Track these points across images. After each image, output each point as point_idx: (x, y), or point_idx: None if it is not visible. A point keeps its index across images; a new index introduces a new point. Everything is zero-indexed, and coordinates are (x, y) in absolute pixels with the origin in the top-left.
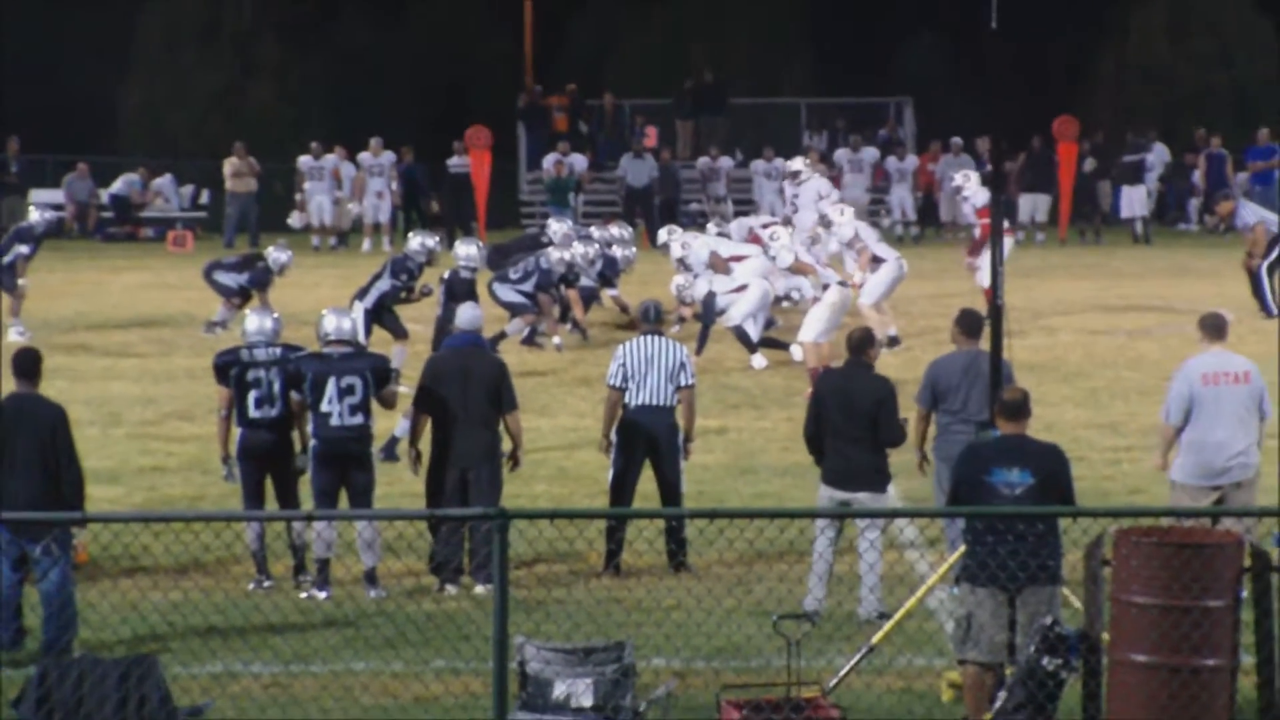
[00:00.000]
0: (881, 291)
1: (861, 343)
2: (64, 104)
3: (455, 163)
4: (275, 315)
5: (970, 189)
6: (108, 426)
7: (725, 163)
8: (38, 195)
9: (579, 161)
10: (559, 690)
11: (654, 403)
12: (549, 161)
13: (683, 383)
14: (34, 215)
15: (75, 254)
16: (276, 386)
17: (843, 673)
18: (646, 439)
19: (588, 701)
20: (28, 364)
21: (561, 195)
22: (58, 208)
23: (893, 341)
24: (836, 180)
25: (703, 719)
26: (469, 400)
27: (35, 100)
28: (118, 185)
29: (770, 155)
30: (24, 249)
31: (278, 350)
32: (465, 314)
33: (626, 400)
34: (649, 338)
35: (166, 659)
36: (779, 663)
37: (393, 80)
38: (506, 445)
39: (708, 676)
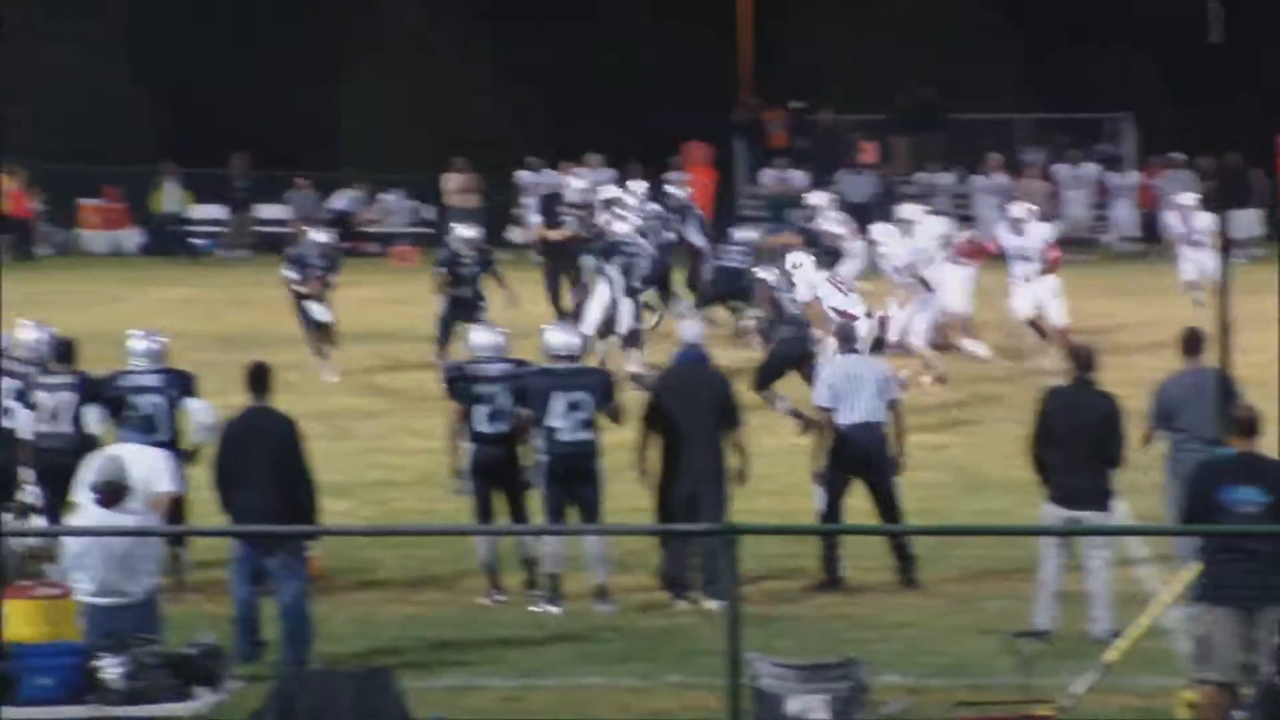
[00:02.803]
0: (929, 326)
1: (1087, 360)
2: (287, 120)
3: (673, 178)
4: (503, 330)
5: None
6: (336, 440)
7: (944, 178)
8: (263, 211)
9: (798, 177)
10: (792, 706)
11: (866, 420)
12: (768, 177)
13: (892, 396)
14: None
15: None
16: (505, 402)
17: (1079, 692)
18: (861, 457)
19: (821, 717)
20: (260, 378)
21: (780, 211)
22: (282, 223)
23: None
24: (1055, 195)
25: None
26: (696, 417)
27: (259, 117)
28: (339, 201)
29: (990, 170)
30: (293, 275)
31: (506, 365)
32: (689, 328)
33: (837, 420)
34: (850, 356)
35: (401, 671)
36: (1011, 680)
37: (610, 94)
38: (733, 461)
39: (940, 693)
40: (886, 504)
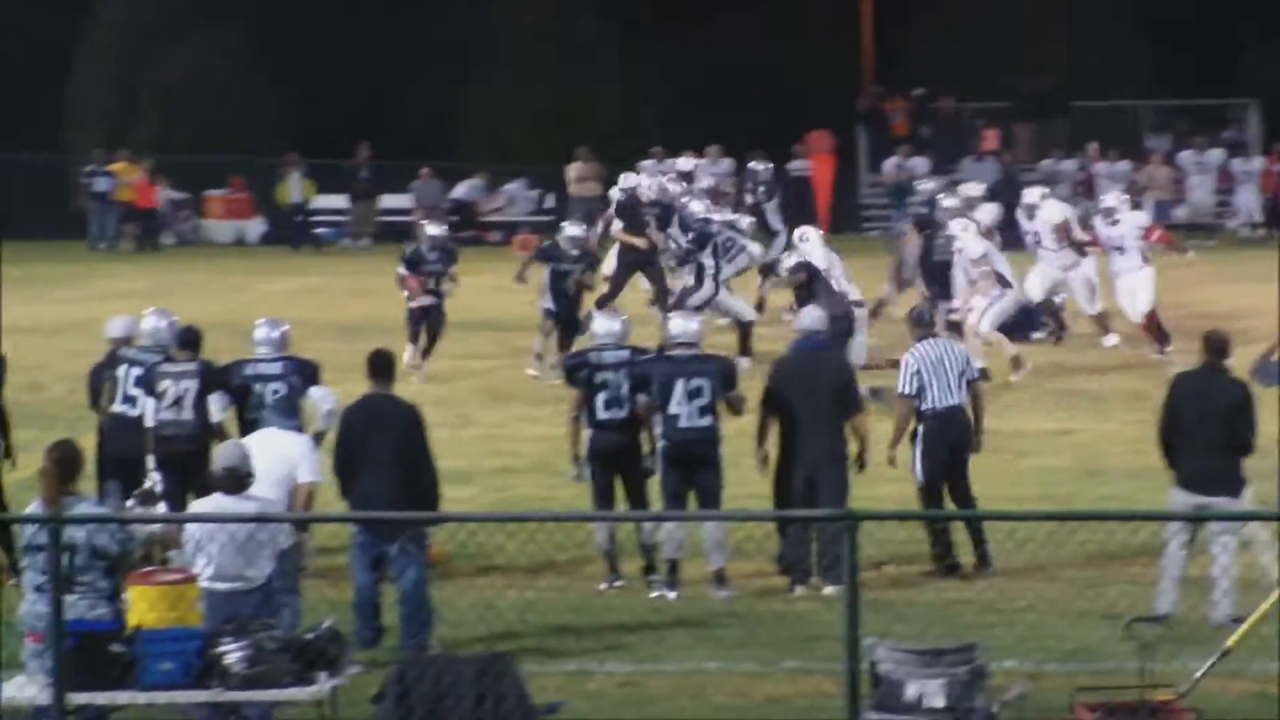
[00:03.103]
0: (999, 320)
1: (1220, 345)
2: (410, 110)
3: (796, 166)
4: (624, 317)
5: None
6: (457, 428)
7: (1068, 165)
8: (386, 200)
9: (920, 165)
10: (911, 691)
11: (951, 403)
12: (890, 165)
13: (973, 377)
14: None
15: None
16: (625, 388)
17: (1197, 676)
18: (952, 440)
19: (940, 703)
20: (383, 365)
21: (902, 198)
22: (405, 212)
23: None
24: (1180, 184)
25: None
26: (815, 403)
27: (382, 107)
28: (460, 190)
29: (1114, 157)
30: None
31: (626, 352)
32: (809, 315)
33: (924, 406)
34: (930, 341)
35: (521, 657)
36: (1132, 666)
37: (731, 84)
38: (852, 447)
39: (1060, 679)
40: (964, 487)
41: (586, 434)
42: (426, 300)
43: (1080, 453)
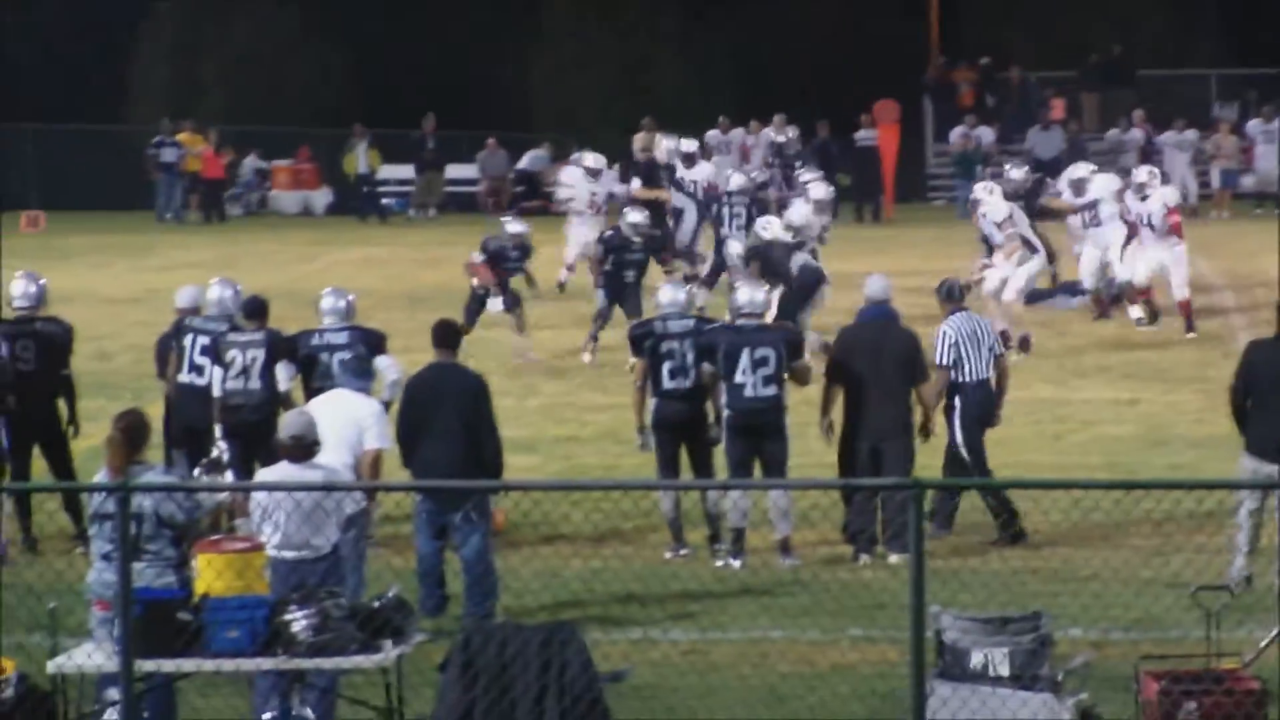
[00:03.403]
0: (1025, 285)
1: None
2: (475, 81)
3: (862, 136)
4: (688, 287)
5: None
6: (523, 398)
7: (1135, 135)
8: (452, 170)
9: (986, 134)
10: (976, 659)
11: (984, 376)
12: (956, 135)
13: (999, 351)
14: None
15: (491, 229)
16: (690, 357)
17: (1263, 645)
18: (984, 412)
19: (1005, 670)
20: (448, 334)
21: (969, 168)
22: (472, 183)
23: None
24: (1249, 152)
25: (1121, 689)
26: (881, 373)
27: (448, 78)
28: (525, 161)
29: (1181, 126)
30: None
31: (691, 321)
32: (875, 284)
33: (961, 378)
34: (964, 314)
35: (585, 625)
36: (1198, 634)
37: (798, 53)
38: (917, 416)
39: (1125, 647)
40: (982, 457)
41: (651, 403)
42: (491, 290)
43: (1146, 422)
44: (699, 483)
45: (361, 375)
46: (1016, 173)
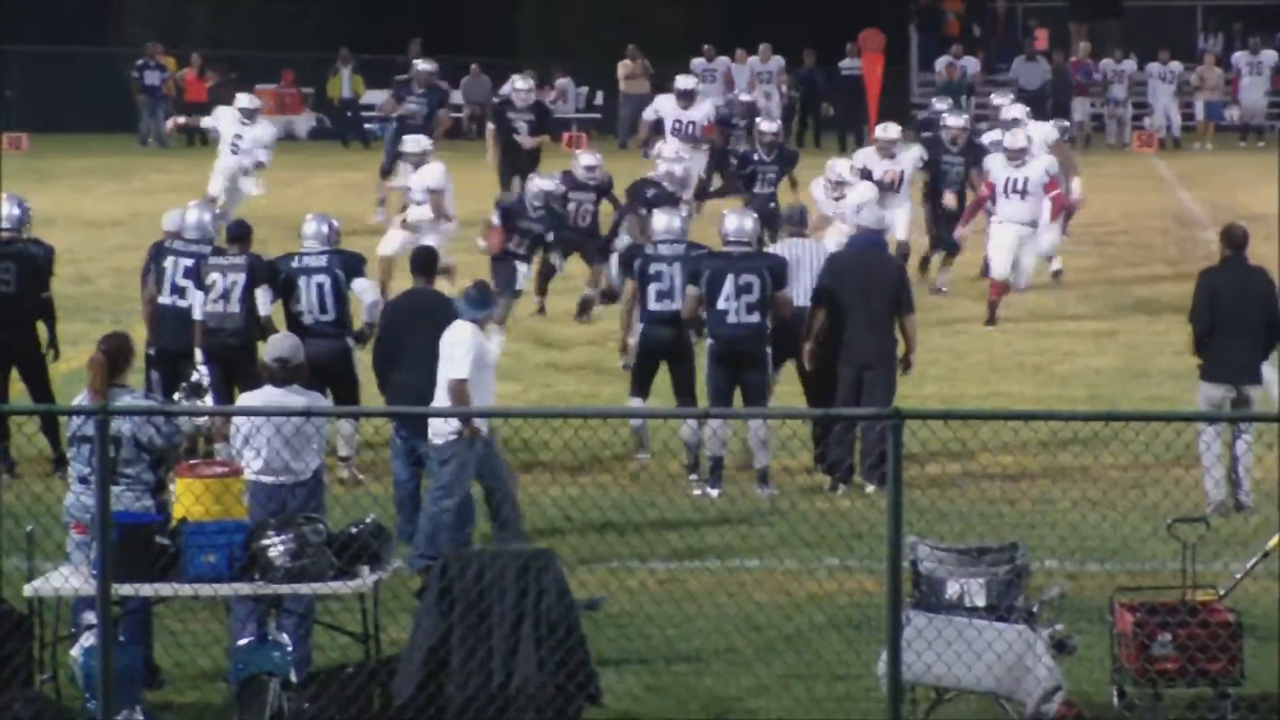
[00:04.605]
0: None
1: (1242, 239)
2: (462, 7)
3: (847, 65)
4: (684, 214)
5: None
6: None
7: (1128, 65)
8: None
9: (971, 64)
10: (951, 590)
11: (804, 305)
12: (941, 64)
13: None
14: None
15: (473, 155)
16: (678, 281)
17: (1238, 577)
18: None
19: (980, 601)
20: (424, 261)
21: (954, 98)
22: (456, 108)
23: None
24: (1233, 84)
25: (1096, 621)
26: (867, 301)
27: (434, 4)
28: (505, 89)
29: (1166, 58)
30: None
31: (681, 246)
32: (869, 213)
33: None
34: (797, 240)
35: (564, 553)
36: (1173, 566)
37: None
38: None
39: (1102, 579)
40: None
41: (638, 327)
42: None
43: (1127, 354)
44: (679, 411)
45: (478, 306)
46: (954, 119)
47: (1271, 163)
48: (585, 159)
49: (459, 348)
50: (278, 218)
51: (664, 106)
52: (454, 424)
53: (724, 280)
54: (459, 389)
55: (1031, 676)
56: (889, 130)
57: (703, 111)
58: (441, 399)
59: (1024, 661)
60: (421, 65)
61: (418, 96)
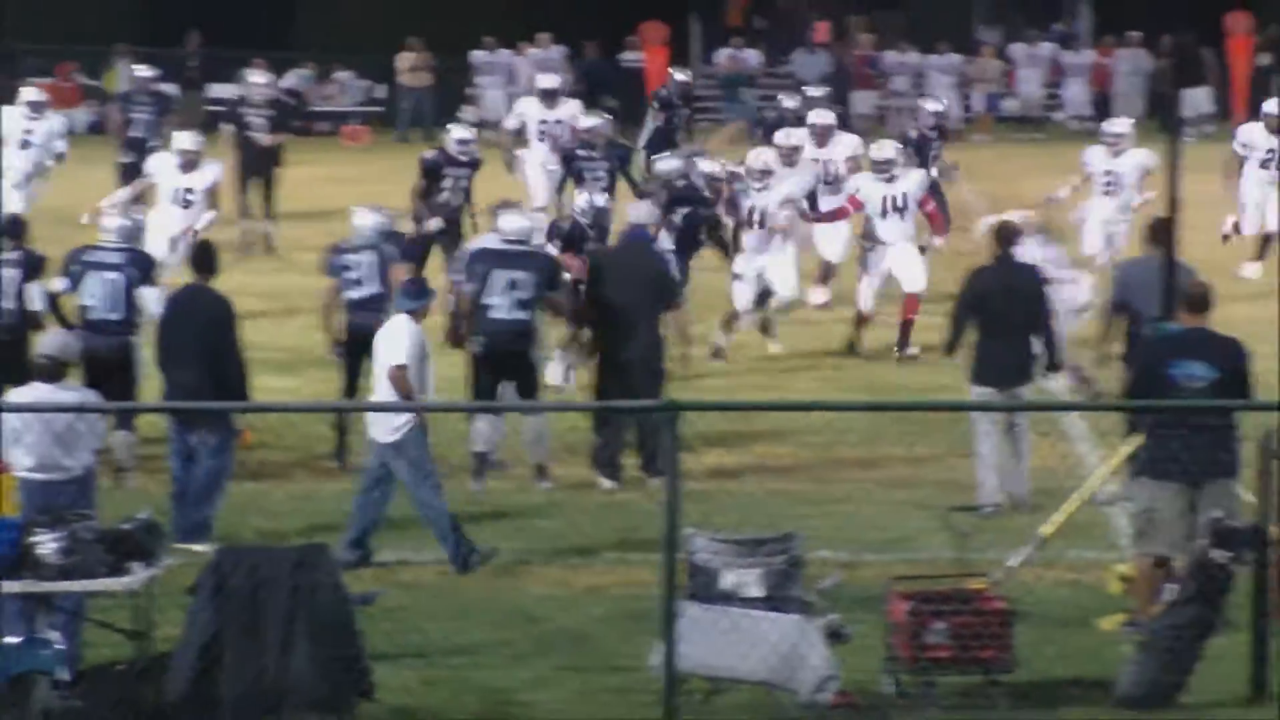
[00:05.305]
0: None
1: (1013, 235)
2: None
3: (628, 58)
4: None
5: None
6: (283, 318)
7: (912, 57)
8: (215, 90)
9: (752, 57)
10: (727, 580)
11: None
12: (723, 56)
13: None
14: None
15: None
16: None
17: (1011, 565)
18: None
19: (756, 592)
20: (203, 257)
21: (734, 90)
22: (235, 102)
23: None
24: (1011, 76)
25: (873, 610)
26: (633, 297)
27: None
28: (289, 80)
29: (945, 49)
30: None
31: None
32: (638, 209)
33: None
34: None
35: (339, 548)
36: (948, 555)
37: None
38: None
39: (877, 568)
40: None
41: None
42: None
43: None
44: (454, 405)
45: (414, 297)
46: (665, 165)
47: (1048, 153)
48: (458, 132)
49: (397, 337)
50: (53, 211)
51: (528, 110)
52: (406, 417)
53: (493, 276)
54: (399, 376)
55: (806, 666)
56: (884, 150)
57: (568, 110)
58: (383, 389)
59: (798, 651)
60: (141, 73)
61: (142, 106)
